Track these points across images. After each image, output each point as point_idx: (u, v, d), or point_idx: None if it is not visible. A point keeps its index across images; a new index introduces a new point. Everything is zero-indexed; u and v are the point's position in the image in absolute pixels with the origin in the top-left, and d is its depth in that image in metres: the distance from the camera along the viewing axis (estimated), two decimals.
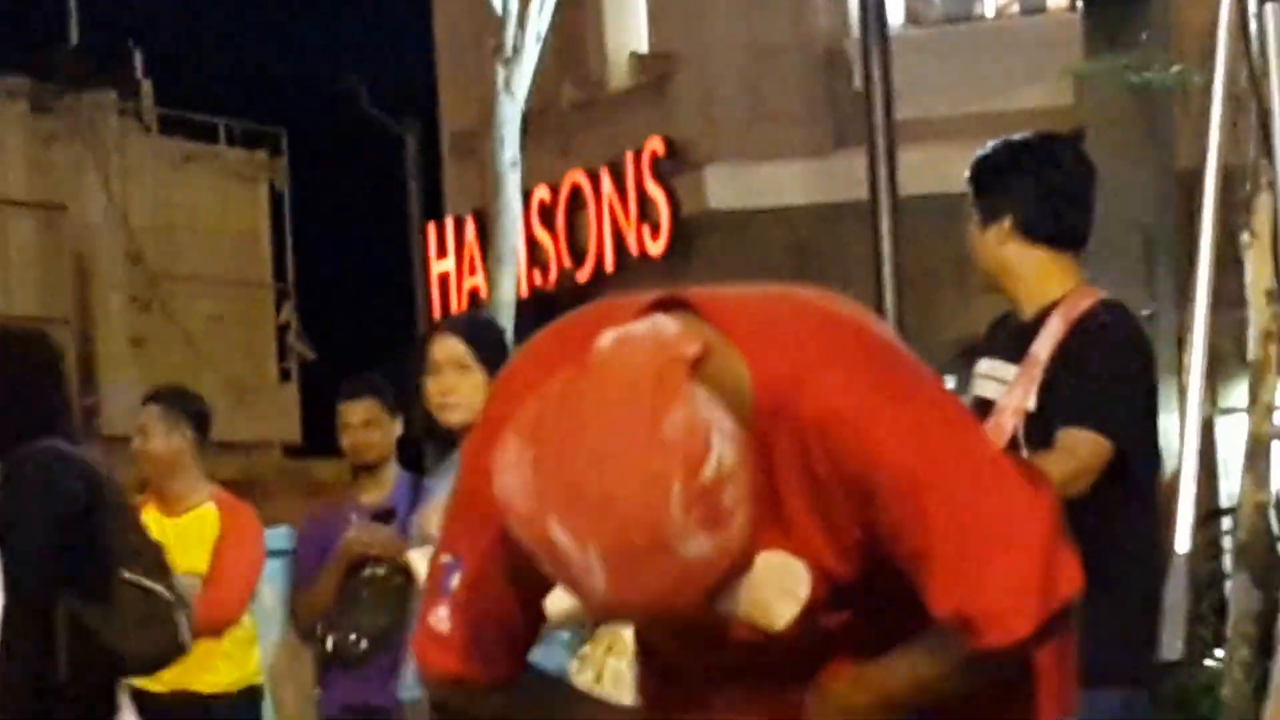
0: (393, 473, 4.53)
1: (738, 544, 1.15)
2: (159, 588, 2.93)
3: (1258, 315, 6.44)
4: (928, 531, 1.22)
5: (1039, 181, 2.72)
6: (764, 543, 1.21)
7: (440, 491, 3.14)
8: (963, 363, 3.06)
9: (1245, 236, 6.63)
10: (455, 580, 1.32)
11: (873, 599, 1.29)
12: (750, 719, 1.34)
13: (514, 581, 1.29)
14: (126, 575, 2.88)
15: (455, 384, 3.28)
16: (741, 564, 1.18)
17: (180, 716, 4.40)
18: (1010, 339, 2.69)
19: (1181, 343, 6.26)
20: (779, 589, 1.22)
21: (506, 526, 1.17)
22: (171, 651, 3.05)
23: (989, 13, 12.50)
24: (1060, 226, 2.71)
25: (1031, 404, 2.55)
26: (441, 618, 1.34)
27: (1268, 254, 6.00)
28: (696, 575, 1.14)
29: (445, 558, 1.35)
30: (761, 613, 1.23)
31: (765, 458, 1.21)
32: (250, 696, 4.79)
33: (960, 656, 1.25)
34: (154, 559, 3.01)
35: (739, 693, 1.34)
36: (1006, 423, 2.55)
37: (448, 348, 3.38)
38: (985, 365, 2.69)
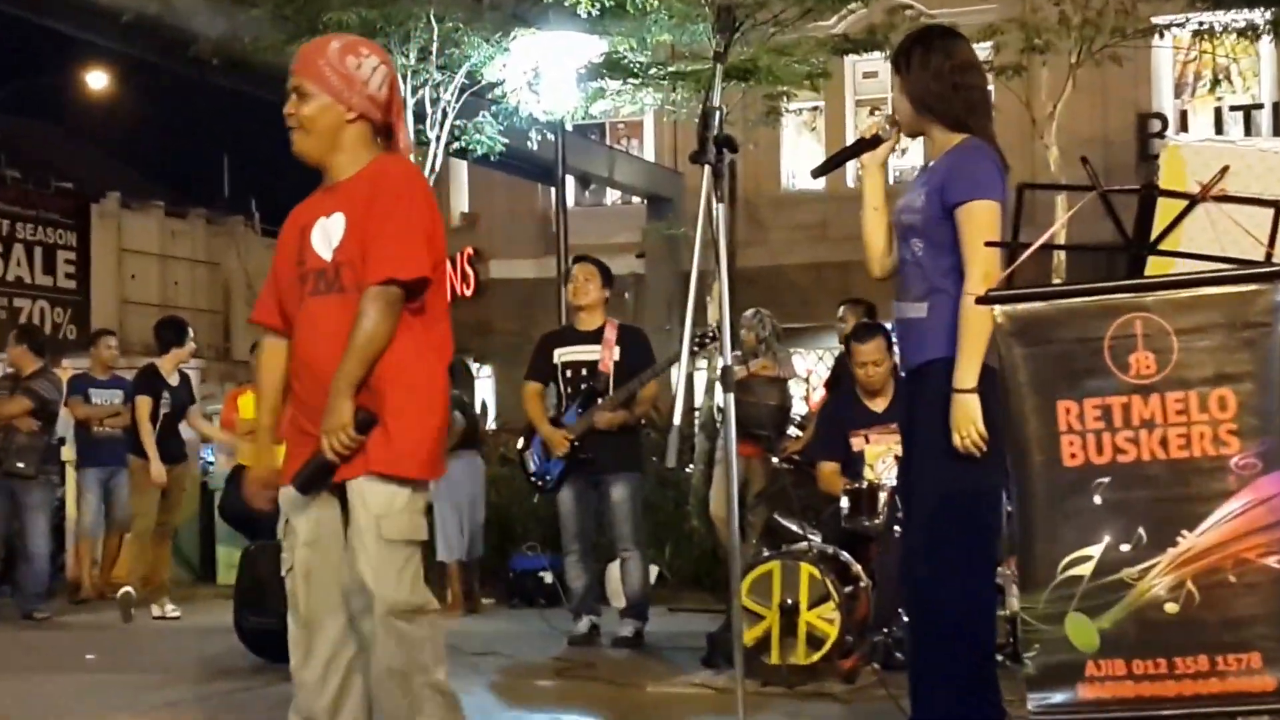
0: None
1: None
2: None
3: None
4: (376, 237, 4.08)
5: None
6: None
7: None
8: None
9: None
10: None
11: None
12: (320, 322, 4.19)
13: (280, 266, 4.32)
14: None
15: None
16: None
17: None
18: None
19: None
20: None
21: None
22: None
23: None
24: None
25: None
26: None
27: None
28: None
29: None
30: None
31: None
32: None
33: (384, 300, 4.06)
34: None
35: (315, 307, 4.22)
36: None
37: None
38: None
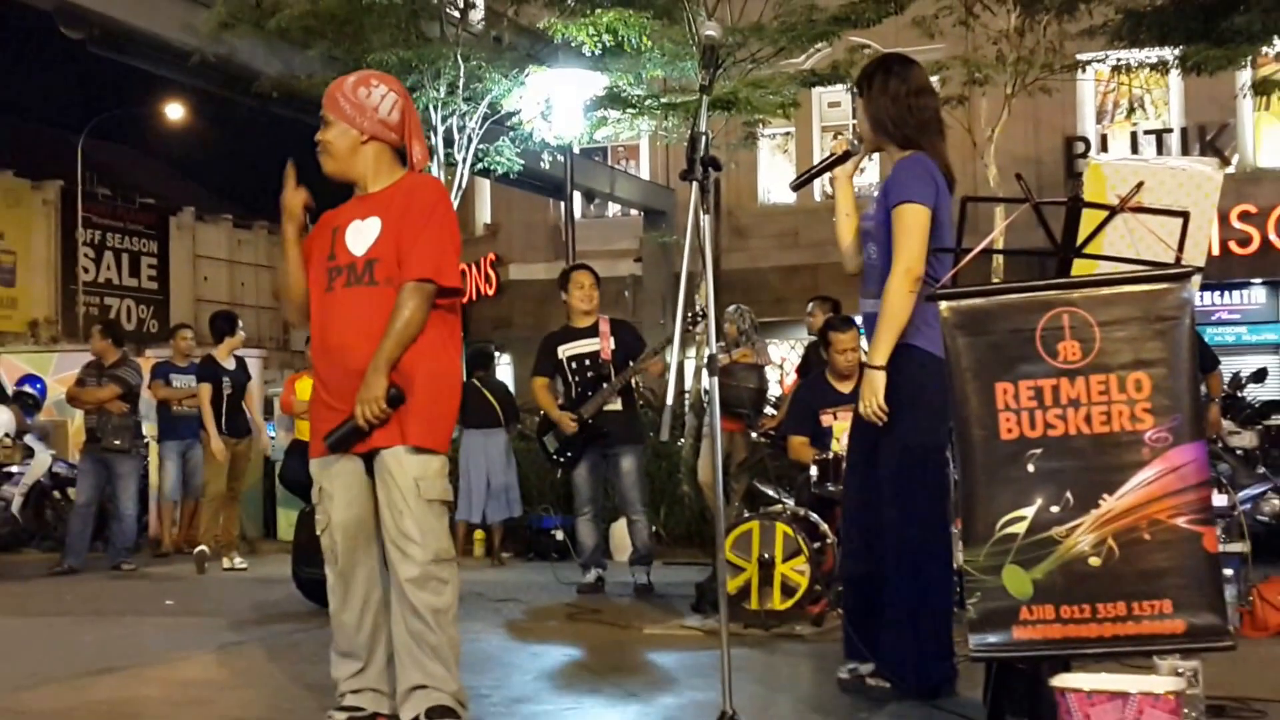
0: None
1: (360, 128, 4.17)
2: None
3: None
4: (414, 240, 4.06)
5: None
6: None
7: None
8: None
9: None
10: None
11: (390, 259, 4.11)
12: (350, 310, 4.15)
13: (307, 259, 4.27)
14: None
15: None
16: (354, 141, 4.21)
17: None
18: None
19: None
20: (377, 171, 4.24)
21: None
22: None
23: None
24: None
25: None
26: None
27: None
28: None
29: None
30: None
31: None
32: None
33: (422, 295, 4.06)
34: None
35: (345, 297, 4.16)
36: None
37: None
38: None
